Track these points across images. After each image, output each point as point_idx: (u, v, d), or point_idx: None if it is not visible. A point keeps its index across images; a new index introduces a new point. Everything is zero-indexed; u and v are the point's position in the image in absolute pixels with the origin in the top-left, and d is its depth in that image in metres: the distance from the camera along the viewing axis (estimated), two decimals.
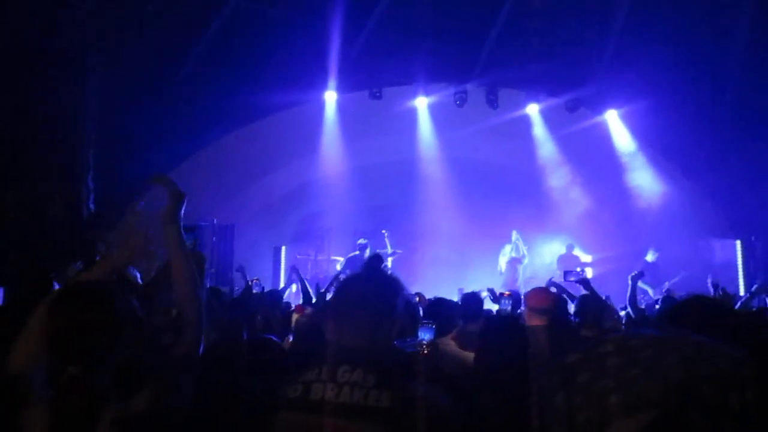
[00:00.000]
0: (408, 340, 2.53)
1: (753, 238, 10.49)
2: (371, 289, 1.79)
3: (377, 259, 1.92)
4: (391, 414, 1.55)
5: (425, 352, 2.55)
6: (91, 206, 8.39)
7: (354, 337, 1.70)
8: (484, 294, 6.12)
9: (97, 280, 2.06)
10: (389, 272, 1.92)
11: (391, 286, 1.82)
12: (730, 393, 0.88)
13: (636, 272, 6.04)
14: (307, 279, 11.15)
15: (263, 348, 2.51)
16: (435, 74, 11.10)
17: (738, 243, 11.03)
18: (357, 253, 10.64)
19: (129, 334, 1.77)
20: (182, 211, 2.09)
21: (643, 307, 6.41)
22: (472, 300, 4.65)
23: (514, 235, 11.42)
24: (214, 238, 9.78)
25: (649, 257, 10.77)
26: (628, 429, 0.89)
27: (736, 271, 10.76)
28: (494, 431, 2.04)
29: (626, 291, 5.89)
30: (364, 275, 1.89)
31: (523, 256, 11.41)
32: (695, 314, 2.12)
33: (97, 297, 1.77)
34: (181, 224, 2.06)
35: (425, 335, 2.61)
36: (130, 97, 8.88)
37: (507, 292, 5.68)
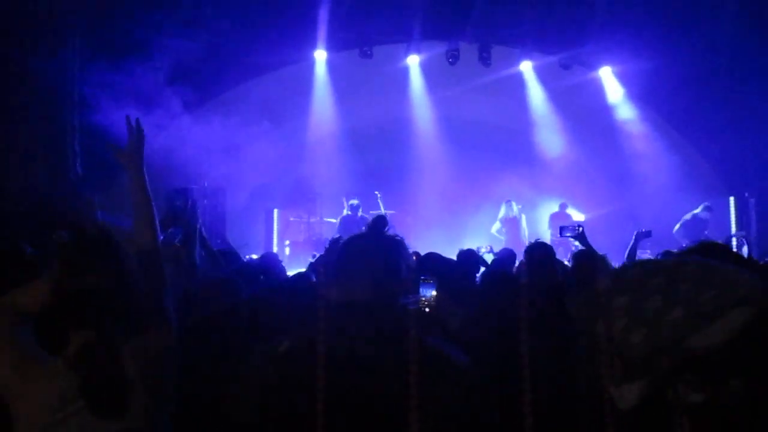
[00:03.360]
0: (409, 297, 2.47)
1: (746, 195, 10.48)
2: (375, 249, 1.74)
3: (381, 221, 1.86)
4: (406, 369, 1.47)
5: (427, 308, 2.50)
6: (79, 170, 8.22)
7: (358, 294, 1.63)
8: (483, 251, 6.08)
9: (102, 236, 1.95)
10: (393, 233, 1.86)
11: (394, 246, 1.77)
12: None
13: (644, 230, 5.95)
14: (300, 241, 11.15)
15: (264, 307, 2.44)
16: (427, 31, 10.86)
17: (732, 199, 11.04)
18: (349, 213, 10.56)
19: (137, 296, 1.70)
20: (143, 150, 2.05)
21: None
22: (469, 257, 4.59)
23: (503, 207, 11.24)
24: (205, 201, 9.65)
25: (700, 212, 10.00)
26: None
27: (730, 229, 10.80)
28: (505, 384, 1.99)
29: (620, 249, 5.84)
30: (367, 236, 1.82)
31: (519, 217, 11.31)
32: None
33: (109, 256, 1.69)
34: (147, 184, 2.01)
35: (426, 291, 2.55)
36: (114, 58, 8.62)
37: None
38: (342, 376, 1.49)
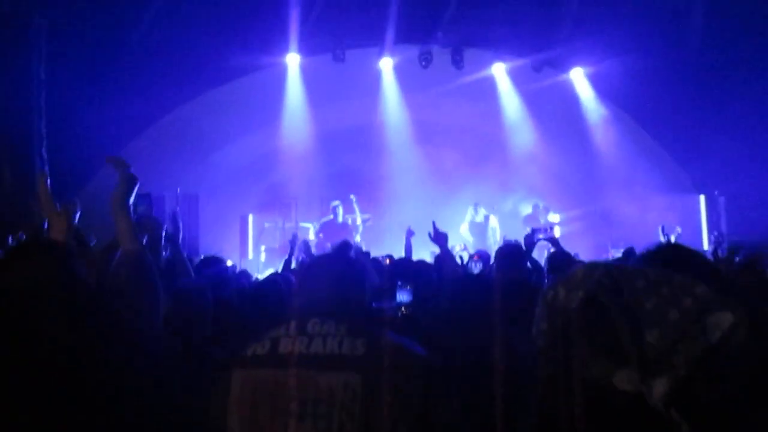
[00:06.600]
0: (385, 303, 2.45)
1: (716, 193, 10.66)
2: (337, 270, 1.79)
3: (346, 245, 1.95)
4: (367, 361, 1.50)
5: (401, 313, 2.48)
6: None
7: (324, 294, 1.68)
8: (458, 249, 6.09)
9: (50, 239, 1.98)
10: (356, 258, 1.94)
11: (357, 267, 1.82)
12: None
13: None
14: (275, 247, 11.06)
15: (230, 312, 2.40)
16: (399, 35, 10.85)
17: (702, 198, 11.22)
18: (330, 217, 10.54)
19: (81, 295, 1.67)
20: (133, 196, 2.08)
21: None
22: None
23: (470, 210, 11.36)
24: (178, 208, 9.50)
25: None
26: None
27: (700, 227, 10.98)
28: (465, 372, 2.01)
29: (593, 248, 5.88)
30: (331, 258, 1.88)
31: (486, 220, 11.38)
32: (673, 262, 2.08)
33: (51, 255, 1.67)
34: (131, 208, 2.06)
35: (403, 297, 2.53)
36: (81, 63, 8.47)
37: (476, 256, 5.65)
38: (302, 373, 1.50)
